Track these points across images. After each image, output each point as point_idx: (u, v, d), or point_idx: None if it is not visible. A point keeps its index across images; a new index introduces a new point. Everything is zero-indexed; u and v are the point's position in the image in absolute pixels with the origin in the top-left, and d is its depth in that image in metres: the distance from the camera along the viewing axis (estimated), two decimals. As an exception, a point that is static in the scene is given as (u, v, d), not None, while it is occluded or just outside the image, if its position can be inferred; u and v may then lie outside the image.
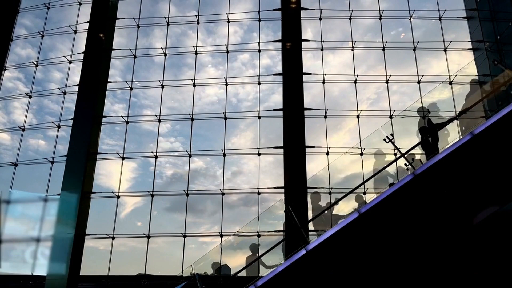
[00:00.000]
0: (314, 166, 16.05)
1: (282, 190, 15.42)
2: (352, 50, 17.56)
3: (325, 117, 16.44)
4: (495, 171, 8.01)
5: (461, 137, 7.90)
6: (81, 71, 17.75)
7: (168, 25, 18.35)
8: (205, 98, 18.46)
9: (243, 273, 10.51)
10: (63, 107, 17.91)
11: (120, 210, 16.22)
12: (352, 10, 17.74)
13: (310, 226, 10.34)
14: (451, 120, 9.17)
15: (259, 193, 15.76)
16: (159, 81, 17.52)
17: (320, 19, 17.77)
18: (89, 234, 15.57)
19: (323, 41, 17.52)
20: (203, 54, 18.49)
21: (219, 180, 16.30)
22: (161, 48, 18.04)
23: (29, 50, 19.85)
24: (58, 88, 18.21)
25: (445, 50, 17.22)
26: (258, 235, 14.70)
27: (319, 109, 16.49)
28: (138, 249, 15.56)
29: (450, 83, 16.57)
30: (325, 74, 17.08)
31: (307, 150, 15.74)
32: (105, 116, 17.32)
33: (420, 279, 8.73)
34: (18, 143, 17.70)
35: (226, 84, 17.49)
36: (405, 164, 8.22)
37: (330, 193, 14.98)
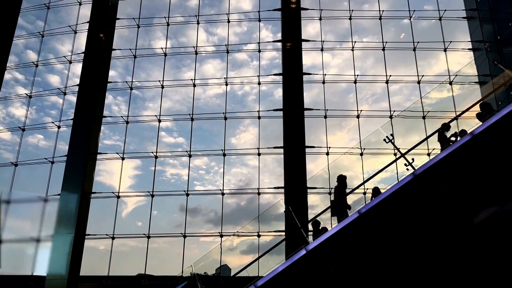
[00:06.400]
0: (315, 166, 16.07)
1: (282, 190, 15.44)
2: (352, 50, 17.55)
3: (325, 117, 16.43)
4: (495, 171, 8.00)
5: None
6: (81, 71, 17.75)
7: (168, 25, 18.35)
8: (209, 91, 18.41)
9: (243, 273, 10.50)
10: (63, 107, 17.93)
11: (121, 209, 16.24)
12: (352, 10, 17.75)
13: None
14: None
15: (259, 193, 15.76)
16: (159, 81, 17.51)
17: (320, 19, 17.76)
18: (89, 234, 15.57)
19: (323, 41, 17.52)
20: (205, 47, 18.52)
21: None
22: (161, 48, 18.03)
23: (29, 50, 19.87)
24: (58, 88, 18.22)
25: (445, 50, 17.21)
26: (258, 235, 14.71)
27: (319, 109, 16.49)
28: (138, 249, 15.56)
29: (450, 83, 16.59)
30: (325, 74, 17.08)
31: (307, 150, 15.73)
32: (105, 116, 17.31)
33: (420, 279, 8.72)
34: (18, 139, 17.71)
35: (226, 84, 17.48)
36: (405, 164, 8.20)
37: (330, 193, 14.98)
